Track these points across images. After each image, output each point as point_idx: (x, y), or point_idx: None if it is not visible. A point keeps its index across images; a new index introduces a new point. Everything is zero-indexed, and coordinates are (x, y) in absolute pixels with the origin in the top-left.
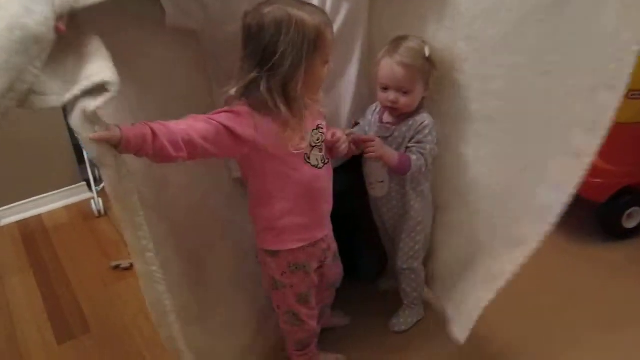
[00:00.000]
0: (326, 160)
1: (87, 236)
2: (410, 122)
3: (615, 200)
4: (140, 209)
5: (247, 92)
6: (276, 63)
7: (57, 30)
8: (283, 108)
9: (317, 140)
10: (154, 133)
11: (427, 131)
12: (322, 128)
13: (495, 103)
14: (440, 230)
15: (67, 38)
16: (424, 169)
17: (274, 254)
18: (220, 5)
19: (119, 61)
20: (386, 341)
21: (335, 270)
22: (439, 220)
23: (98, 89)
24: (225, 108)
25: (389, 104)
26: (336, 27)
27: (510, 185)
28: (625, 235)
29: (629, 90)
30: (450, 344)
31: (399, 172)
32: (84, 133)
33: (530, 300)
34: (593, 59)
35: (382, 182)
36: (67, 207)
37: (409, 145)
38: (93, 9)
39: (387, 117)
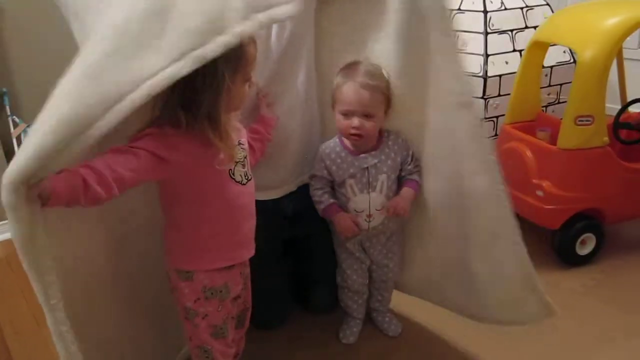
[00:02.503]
0: (249, 177)
1: (24, 273)
2: (390, 142)
3: (569, 226)
4: (52, 269)
5: (169, 112)
6: (196, 82)
7: None
8: (208, 129)
9: (240, 156)
10: (84, 182)
11: (408, 144)
12: (242, 144)
13: None
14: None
15: None
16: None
17: (189, 276)
18: None
19: None
20: None
21: (245, 296)
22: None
23: None
24: (146, 131)
25: (352, 131)
26: (282, 44)
27: None
28: (579, 262)
29: (577, 117)
30: None
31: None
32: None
33: (487, 332)
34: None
35: (380, 209)
36: (2, 243)
37: (408, 167)
38: None
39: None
